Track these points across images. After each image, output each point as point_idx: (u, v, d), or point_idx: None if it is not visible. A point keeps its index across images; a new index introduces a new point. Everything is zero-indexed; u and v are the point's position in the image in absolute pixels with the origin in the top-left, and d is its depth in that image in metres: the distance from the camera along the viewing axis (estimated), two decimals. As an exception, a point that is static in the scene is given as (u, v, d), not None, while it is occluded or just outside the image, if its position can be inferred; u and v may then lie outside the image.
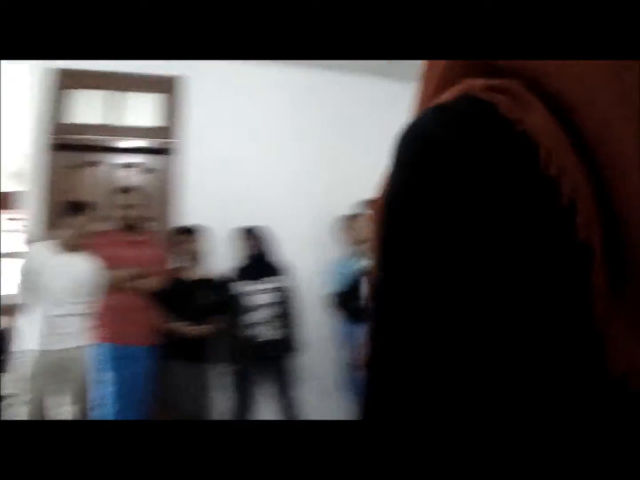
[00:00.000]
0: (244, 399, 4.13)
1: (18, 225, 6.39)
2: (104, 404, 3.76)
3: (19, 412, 3.40)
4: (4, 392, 3.74)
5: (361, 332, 4.10)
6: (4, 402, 3.55)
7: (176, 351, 3.80)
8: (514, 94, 0.57)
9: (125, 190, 3.99)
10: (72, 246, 3.63)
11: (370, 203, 1.84)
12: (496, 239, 0.49)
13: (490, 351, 0.51)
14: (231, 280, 4.18)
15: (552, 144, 0.50)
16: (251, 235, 4.29)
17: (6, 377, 3.65)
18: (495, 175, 0.50)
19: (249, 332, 4.09)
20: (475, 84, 0.60)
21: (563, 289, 0.50)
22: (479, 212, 0.49)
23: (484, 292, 0.50)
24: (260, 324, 4.11)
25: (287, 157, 4.80)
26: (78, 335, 3.56)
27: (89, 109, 4.49)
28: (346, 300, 4.26)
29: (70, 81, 4.39)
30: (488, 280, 0.49)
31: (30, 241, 4.02)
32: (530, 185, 0.49)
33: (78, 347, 3.55)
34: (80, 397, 3.58)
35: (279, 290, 4.22)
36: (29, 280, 3.49)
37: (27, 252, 3.68)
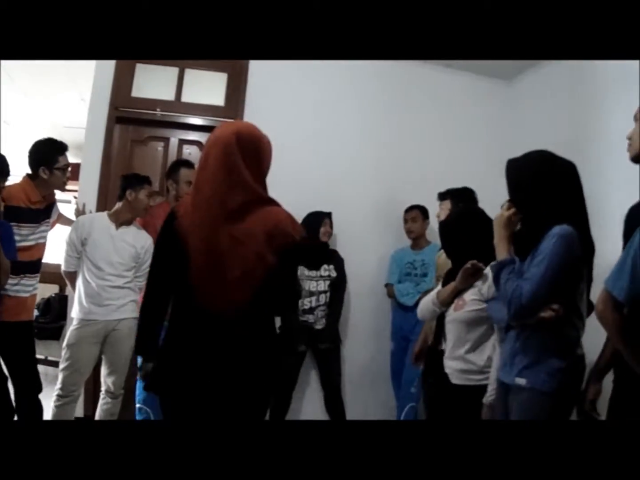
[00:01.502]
0: (287, 381, 4.08)
1: (71, 196, 6.45)
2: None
3: (69, 379, 3.40)
4: (56, 358, 3.76)
5: (411, 323, 4.07)
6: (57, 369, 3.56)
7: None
8: (184, 200, 2.09)
9: (189, 165, 3.92)
10: (125, 219, 3.62)
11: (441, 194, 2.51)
12: (167, 247, 2.00)
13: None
14: None
15: (183, 219, 1.93)
16: (329, 221, 4.23)
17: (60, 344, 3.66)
18: (167, 229, 2.00)
19: (300, 317, 4.06)
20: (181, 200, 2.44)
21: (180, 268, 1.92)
22: (165, 240, 2.01)
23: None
24: (311, 310, 4.08)
25: (350, 143, 4.73)
26: (122, 308, 3.54)
27: (152, 84, 4.50)
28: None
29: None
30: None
31: (80, 212, 3.99)
32: (174, 234, 1.94)
33: (121, 320, 3.53)
34: (118, 370, 3.55)
35: (332, 279, 4.17)
36: (75, 249, 3.51)
37: (75, 222, 3.64)
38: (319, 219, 4.18)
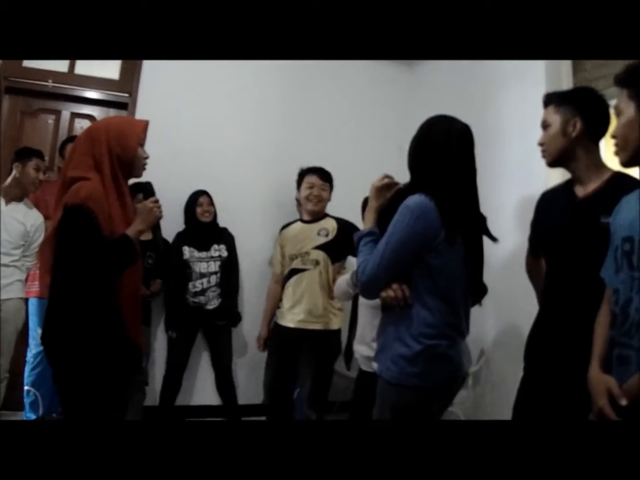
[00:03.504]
0: (177, 363, 4.08)
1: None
2: (30, 362, 3.70)
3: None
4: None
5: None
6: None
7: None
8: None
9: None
10: (14, 195, 3.54)
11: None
12: None
13: None
14: (179, 244, 4.09)
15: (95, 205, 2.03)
16: (208, 200, 4.16)
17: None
18: None
19: (192, 298, 4.04)
20: None
21: None
22: None
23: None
24: (203, 292, 4.06)
25: (243, 123, 4.73)
26: (7, 288, 3.45)
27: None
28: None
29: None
30: None
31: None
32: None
33: (5, 300, 3.45)
34: (2, 352, 3.44)
35: (223, 259, 4.14)
36: None
37: None
38: (194, 199, 4.13)
